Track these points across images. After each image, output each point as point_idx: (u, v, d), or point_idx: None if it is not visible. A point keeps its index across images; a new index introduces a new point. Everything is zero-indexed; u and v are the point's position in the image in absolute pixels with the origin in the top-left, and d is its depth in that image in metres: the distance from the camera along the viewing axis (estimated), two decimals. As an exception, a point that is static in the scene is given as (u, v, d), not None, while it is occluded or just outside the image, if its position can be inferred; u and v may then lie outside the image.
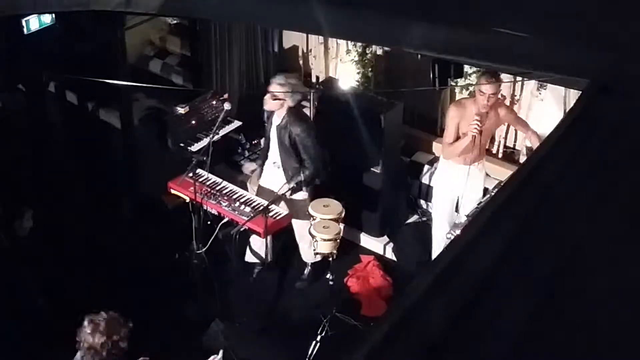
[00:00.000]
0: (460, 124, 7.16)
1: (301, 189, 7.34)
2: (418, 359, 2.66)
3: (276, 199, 7.15)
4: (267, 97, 7.20)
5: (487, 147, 7.48)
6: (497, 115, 7.19)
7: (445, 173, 7.47)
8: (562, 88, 7.49)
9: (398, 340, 2.70)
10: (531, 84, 7.98)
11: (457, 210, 7.51)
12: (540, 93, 7.99)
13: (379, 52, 8.89)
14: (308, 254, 7.69)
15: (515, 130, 8.26)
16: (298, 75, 7.39)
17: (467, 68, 7.85)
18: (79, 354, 5.04)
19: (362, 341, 2.73)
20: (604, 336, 2.73)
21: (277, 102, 7.14)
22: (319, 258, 7.61)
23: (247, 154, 8.90)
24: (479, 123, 6.96)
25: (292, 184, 7.28)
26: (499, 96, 7.18)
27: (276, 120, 7.28)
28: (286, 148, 7.26)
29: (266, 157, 7.52)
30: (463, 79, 7.90)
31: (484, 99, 6.94)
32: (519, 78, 7.54)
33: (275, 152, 7.37)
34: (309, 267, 7.84)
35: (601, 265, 3.00)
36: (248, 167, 7.81)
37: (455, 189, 7.40)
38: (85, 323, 4.98)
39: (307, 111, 8.80)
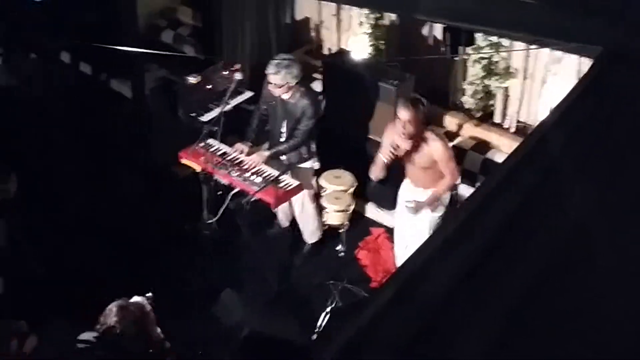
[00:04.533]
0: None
1: (280, 155, 7.30)
2: (414, 329, 2.67)
3: (287, 169, 7.14)
4: (270, 87, 7.14)
5: (435, 182, 6.75)
6: (427, 147, 6.59)
7: (403, 187, 7.14)
8: (576, 62, 7.44)
9: (396, 309, 2.70)
10: (544, 58, 7.93)
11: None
12: (553, 67, 7.93)
13: (392, 19, 8.80)
14: (309, 233, 7.69)
15: (528, 105, 8.25)
16: (289, 54, 7.32)
17: (479, 41, 7.83)
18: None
19: (360, 311, 2.74)
20: (605, 317, 2.72)
21: (282, 88, 7.10)
22: (316, 238, 7.67)
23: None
24: (393, 151, 6.58)
25: (273, 151, 7.27)
26: (418, 127, 6.52)
27: (285, 95, 7.26)
28: (293, 120, 7.24)
29: (279, 133, 7.47)
30: (475, 50, 7.86)
31: (400, 125, 6.52)
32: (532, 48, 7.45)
33: (284, 124, 7.35)
34: (309, 246, 7.81)
35: (606, 243, 2.98)
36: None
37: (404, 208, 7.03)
38: (115, 309, 4.82)
39: (318, 82, 8.81)
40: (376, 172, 6.79)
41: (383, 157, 6.64)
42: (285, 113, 7.28)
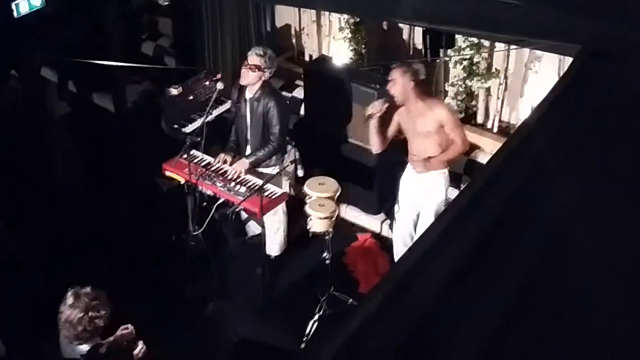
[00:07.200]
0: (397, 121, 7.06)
1: (263, 162, 7.35)
2: (406, 333, 2.65)
3: (271, 178, 7.12)
4: (245, 70, 7.18)
5: (439, 154, 6.90)
6: (431, 113, 6.79)
7: (404, 175, 7.30)
8: (557, 60, 7.46)
9: (386, 314, 2.69)
10: (525, 57, 7.94)
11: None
12: (534, 65, 7.94)
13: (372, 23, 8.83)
14: (273, 245, 7.65)
15: (510, 104, 8.26)
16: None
17: (460, 42, 7.83)
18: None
19: (351, 317, 2.72)
20: (590, 316, 2.71)
21: (256, 74, 7.14)
22: (275, 252, 7.66)
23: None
24: (381, 103, 6.85)
25: (253, 158, 7.28)
26: (412, 86, 6.78)
27: (248, 94, 7.30)
28: (257, 120, 7.28)
29: (244, 135, 7.49)
30: (456, 52, 7.87)
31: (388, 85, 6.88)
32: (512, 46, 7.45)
33: (249, 129, 7.40)
34: (272, 258, 7.76)
35: (591, 241, 2.97)
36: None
37: (410, 195, 7.21)
38: (68, 294, 4.95)
39: (300, 90, 8.80)
40: (375, 141, 7.04)
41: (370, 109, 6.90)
42: (250, 114, 7.30)
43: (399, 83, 6.79)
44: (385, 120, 7.01)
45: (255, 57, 7.14)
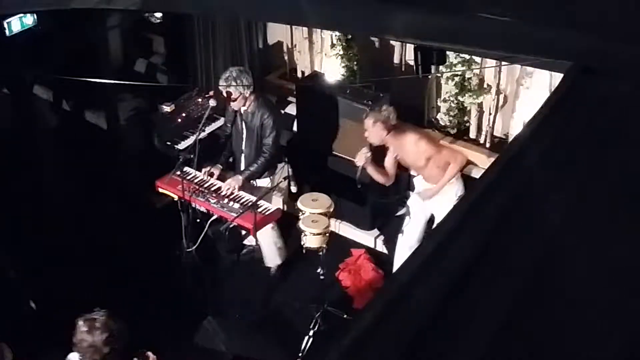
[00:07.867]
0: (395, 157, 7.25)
1: (258, 175, 7.40)
2: (403, 346, 2.65)
3: (265, 194, 7.14)
4: (228, 102, 7.27)
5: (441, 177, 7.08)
6: (408, 145, 7.05)
7: (416, 188, 7.47)
8: (548, 75, 7.50)
9: (383, 327, 2.69)
10: (516, 72, 7.98)
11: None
12: (525, 81, 7.98)
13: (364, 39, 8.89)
14: (270, 257, 7.69)
15: (502, 120, 8.29)
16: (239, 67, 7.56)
17: (452, 58, 7.86)
18: (73, 355, 4.97)
19: (347, 330, 2.72)
20: (585, 330, 2.72)
21: (237, 99, 7.20)
22: (277, 262, 7.72)
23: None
24: (365, 154, 7.06)
25: (247, 173, 7.32)
26: (386, 133, 7.03)
27: (243, 108, 7.35)
28: (253, 132, 7.33)
29: (240, 150, 7.52)
30: (448, 68, 7.90)
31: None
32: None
33: (244, 142, 7.45)
34: (274, 270, 7.85)
35: (583, 256, 2.98)
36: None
37: (422, 205, 7.37)
38: (81, 323, 4.87)
39: (293, 106, 8.82)
40: (380, 179, 7.29)
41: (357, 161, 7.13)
42: (245, 128, 7.33)
43: (372, 132, 7.05)
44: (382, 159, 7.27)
45: (225, 89, 7.19)
